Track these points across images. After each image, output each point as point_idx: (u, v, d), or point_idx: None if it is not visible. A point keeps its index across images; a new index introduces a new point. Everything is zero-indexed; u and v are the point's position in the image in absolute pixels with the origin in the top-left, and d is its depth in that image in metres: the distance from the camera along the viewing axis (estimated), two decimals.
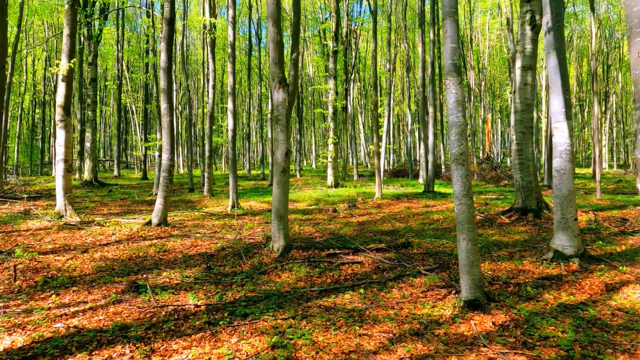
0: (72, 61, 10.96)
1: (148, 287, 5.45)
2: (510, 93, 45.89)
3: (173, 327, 4.41)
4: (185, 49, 24.38)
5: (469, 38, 32.98)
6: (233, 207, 13.14)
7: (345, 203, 15.04)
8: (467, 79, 37.06)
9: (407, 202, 15.08)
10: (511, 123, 11.36)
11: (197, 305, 4.98)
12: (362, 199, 15.87)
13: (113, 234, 8.95)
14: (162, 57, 10.03)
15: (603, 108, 40.56)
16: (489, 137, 39.14)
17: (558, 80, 6.70)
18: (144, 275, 6.17)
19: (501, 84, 51.34)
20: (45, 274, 6.21)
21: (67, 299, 5.27)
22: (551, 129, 6.99)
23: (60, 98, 11.06)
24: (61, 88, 11.08)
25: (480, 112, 40.57)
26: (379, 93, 52.36)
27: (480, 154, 39.97)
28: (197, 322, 4.52)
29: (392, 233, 9.32)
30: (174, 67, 30.98)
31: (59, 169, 10.92)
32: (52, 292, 5.48)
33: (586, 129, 55.62)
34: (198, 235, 8.92)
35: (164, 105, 10.05)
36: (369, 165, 49.65)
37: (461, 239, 4.86)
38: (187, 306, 4.97)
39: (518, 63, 11.11)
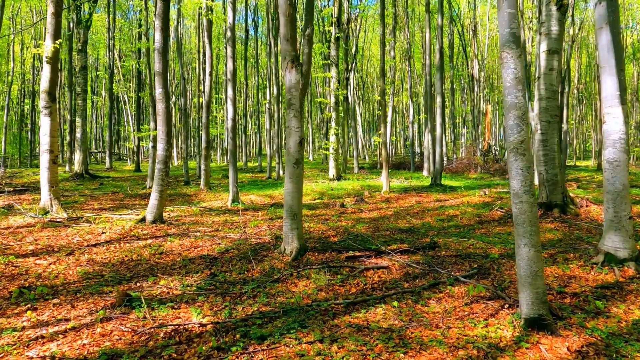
0: (57, 41, 10.00)
1: (143, 299, 4.60)
2: None
3: (175, 355, 3.57)
4: (179, 35, 23.35)
5: (472, 26, 32.03)
6: (234, 201, 12.25)
7: (351, 197, 14.20)
8: (469, 68, 36.25)
9: (416, 196, 14.28)
10: (535, 111, 10.54)
11: (202, 324, 4.13)
12: (369, 193, 15.03)
13: (103, 233, 8.06)
14: (157, 37, 9.08)
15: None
16: (488, 128, 38.50)
17: (612, 59, 5.87)
18: (138, 284, 5.31)
19: (499, 75, 50.54)
20: (22, 282, 5.33)
21: (45, 315, 4.40)
22: (601, 115, 6.19)
23: (44, 82, 10.09)
24: (46, 71, 10.11)
25: (481, 103, 39.71)
26: (378, 84, 51.38)
27: (480, 146, 39.24)
28: (204, 347, 3.68)
29: (411, 231, 8.50)
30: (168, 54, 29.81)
31: (43, 160, 9.99)
32: (29, 305, 4.61)
33: (584, 121, 55.05)
34: (198, 234, 8.04)
35: (158, 90, 9.12)
36: (366, 157, 48.89)
37: (521, 245, 4.04)
38: (190, 325, 4.12)
39: (543, 46, 10.27)
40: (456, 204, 12.29)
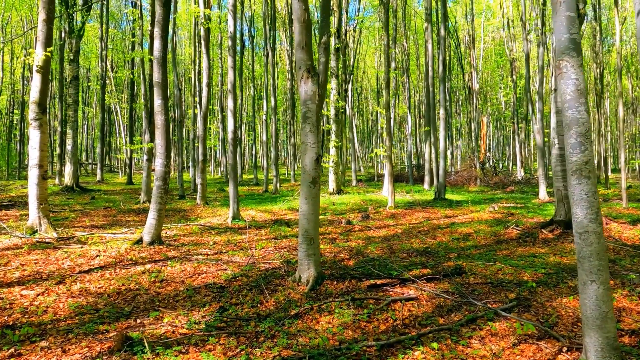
0: (48, 50, 9.40)
1: (145, 343, 3.98)
2: (504, 96, 45.13)
3: None
4: (174, 46, 22.88)
5: (470, 38, 31.89)
6: (234, 218, 11.63)
7: (355, 213, 13.65)
8: (465, 80, 36.10)
9: (422, 212, 13.76)
10: (551, 125, 10.11)
11: None
12: (373, 208, 14.49)
13: (97, 256, 7.41)
14: (156, 45, 8.52)
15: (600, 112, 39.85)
16: (484, 140, 38.34)
17: None
18: (138, 321, 4.68)
19: (492, 87, 50.57)
20: (5, 318, 4.69)
21: None
22: None
23: (34, 93, 9.47)
24: (36, 81, 9.49)
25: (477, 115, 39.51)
26: (373, 96, 51.15)
27: (476, 160, 38.99)
28: None
29: (428, 253, 7.95)
30: None
31: (32, 175, 9.34)
32: (12, 350, 3.98)
33: None
34: (200, 257, 7.42)
35: (157, 102, 8.55)
36: (362, 169, 48.51)
37: (588, 281, 3.50)
38: None
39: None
40: (467, 220, 11.78)
